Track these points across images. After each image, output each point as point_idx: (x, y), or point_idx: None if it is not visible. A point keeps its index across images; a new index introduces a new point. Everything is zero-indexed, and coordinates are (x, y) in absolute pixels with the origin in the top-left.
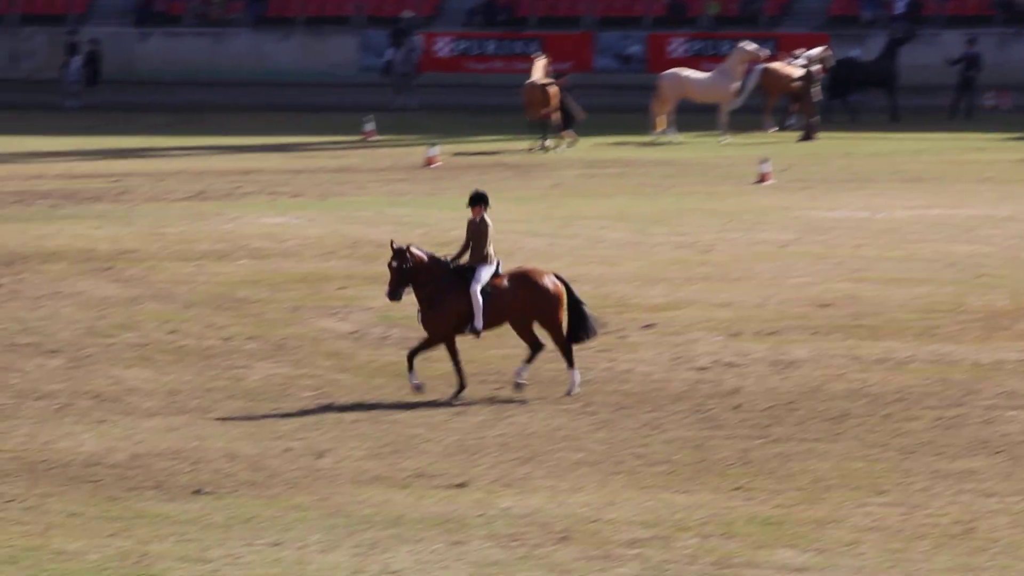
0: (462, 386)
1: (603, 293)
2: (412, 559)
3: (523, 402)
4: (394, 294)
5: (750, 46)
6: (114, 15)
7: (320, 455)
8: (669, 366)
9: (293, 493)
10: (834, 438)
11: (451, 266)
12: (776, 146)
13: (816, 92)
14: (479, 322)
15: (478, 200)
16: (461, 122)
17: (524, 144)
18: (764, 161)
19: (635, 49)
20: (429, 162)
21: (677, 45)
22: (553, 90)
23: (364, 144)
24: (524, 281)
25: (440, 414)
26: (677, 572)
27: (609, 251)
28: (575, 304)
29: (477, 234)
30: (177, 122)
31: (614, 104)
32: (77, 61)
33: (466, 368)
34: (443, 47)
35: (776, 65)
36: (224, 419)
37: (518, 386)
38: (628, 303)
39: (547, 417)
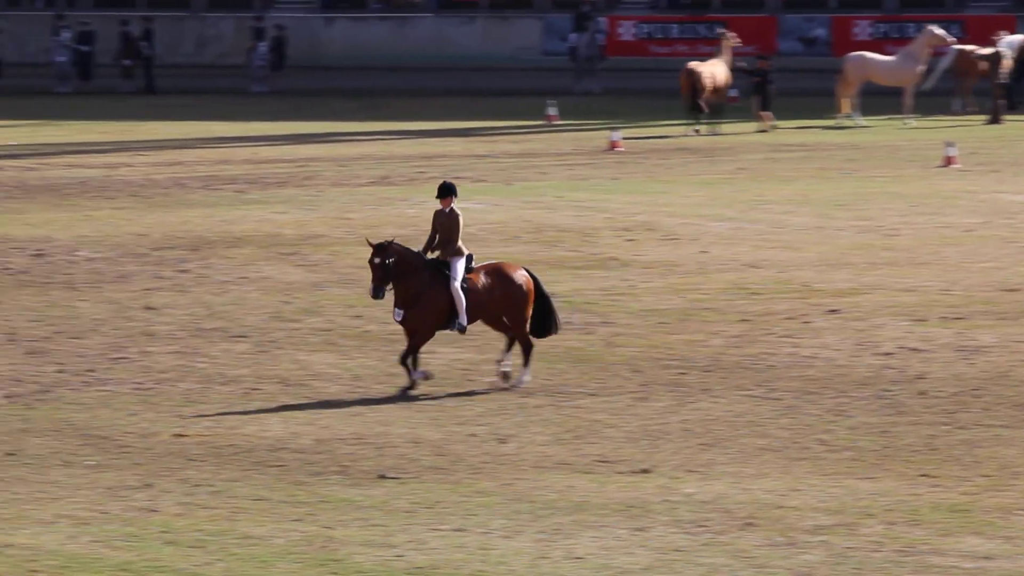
0: (412, 384)
1: (786, 278)
2: (596, 545)
3: (706, 388)
4: (378, 292)
5: (937, 30)
6: (300, 0)
7: (503, 440)
8: (853, 351)
9: (477, 478)
10: (1021, 424)
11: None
12: (962, 129)
13: (1004, 75)
14: (463, 319)
15: (447, 191)
16: (645, 106)
17: (704, 128)
18: (950, 144)
19: (819, 32)
20: (612, 146)
21: (862, 28)
22: (706, 78)
23: (547, 128)
24: (498, 276)
25: (623, 400)
26: (862, 559)
27: (793, 236)
28: (544, 299)
29: (447, 226)
30: (361, 107)
31: (798, 87)
32: (263, 46)
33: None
34: (627, 31)
35: (969, 48)
36: (408, 404)
37: (505, 376)
38: (812, 288)
39: (730, 403)
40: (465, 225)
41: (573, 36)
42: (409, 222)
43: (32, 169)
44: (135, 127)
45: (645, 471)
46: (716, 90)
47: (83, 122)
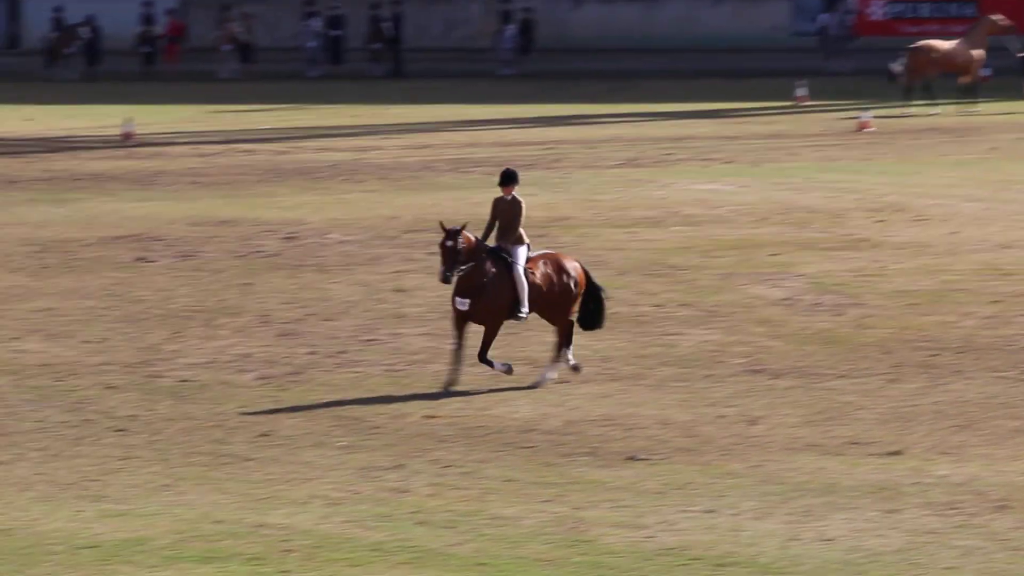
0: (451, 381)
1: None
2: (846, 527)
3: (958, 370)
4: (447, 276)
5: None
6: None
7: (753, 422)
8: None
9: (726, 460)
10: None
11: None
12: None
13: None
14: (525, 307)
15: (509, 179)
16: (894, 86)
17: (951, 109)
18: None
19: None
20: (862, 127)
21: None
22: (935, 54)
23: (796, 109)
24: (555, 267)
25: (874, 381)
26: None
27: None
28: (595, 292)
29: (509, 214)
30: (609, 89)
31: None
32: (511, 29)
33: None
34: (876, 10)
35: None
36: (657, 386)
37: (575, 368)
38: None
39: (983, 384)
40: (715, 206)
41: (823, 16)
42: (657, 204)
43: (284, 153)
44: (384, 110)
45: (896, 453)
46: (963, 69)
47: (333, 106)
